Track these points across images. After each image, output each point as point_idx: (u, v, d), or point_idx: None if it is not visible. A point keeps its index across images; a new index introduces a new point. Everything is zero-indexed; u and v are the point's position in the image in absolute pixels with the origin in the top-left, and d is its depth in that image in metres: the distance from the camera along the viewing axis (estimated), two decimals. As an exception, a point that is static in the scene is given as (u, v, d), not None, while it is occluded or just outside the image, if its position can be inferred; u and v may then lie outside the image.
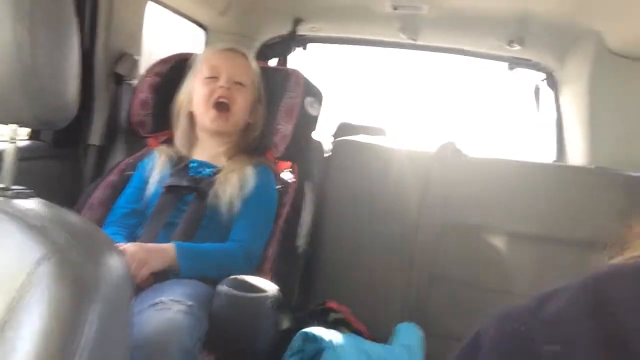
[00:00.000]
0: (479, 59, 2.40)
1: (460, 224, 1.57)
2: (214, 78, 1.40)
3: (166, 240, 1.25)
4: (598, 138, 1.92)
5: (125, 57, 1.75)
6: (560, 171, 1.73)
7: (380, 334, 1.38)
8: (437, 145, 1.70)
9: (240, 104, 1.40)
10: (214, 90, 1.38)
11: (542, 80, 2.33)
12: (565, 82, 2.18)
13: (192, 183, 1.35)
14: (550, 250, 1.34)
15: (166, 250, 1.19)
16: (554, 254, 1.36)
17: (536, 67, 2.29)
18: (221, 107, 1.38)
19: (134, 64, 1.78)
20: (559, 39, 2.01)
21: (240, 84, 1.41)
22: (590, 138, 1.93)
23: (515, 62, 2.31)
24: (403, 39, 2.23)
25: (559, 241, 1.45)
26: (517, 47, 2.10)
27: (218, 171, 1.38)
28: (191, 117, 1.44)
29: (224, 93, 1.38)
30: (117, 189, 1.43)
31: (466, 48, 2.34)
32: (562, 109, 2.22)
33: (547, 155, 2.40)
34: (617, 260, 0.47)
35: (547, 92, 2.33)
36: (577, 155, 2.02)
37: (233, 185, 1.34)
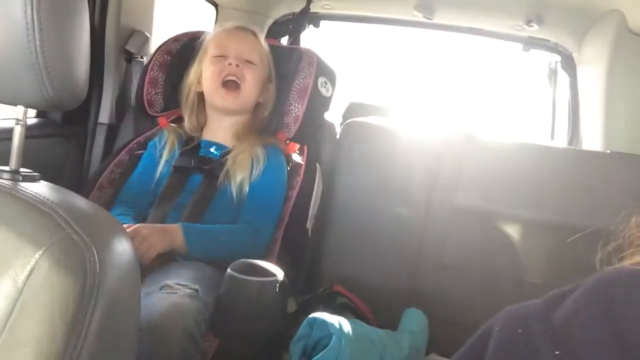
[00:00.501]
0: (494, 39, 2.35)
1: (471, 209, 1.55)
2: (222, 57, 1.38)
3: (175, 221, 1.25)
4: (614, 122, 1.88)
5: (136, 34, 1.74)
6: (575, 155, 1.69)
7: (387, 320, 1.37)
8: (448, 128, 1.67)
9: (250, 81, 1.38)
10: (222, 68, 1.36)
11: (557, 62, 2.29)
12: (583, 64, 2.13)
13: (201, 163, 1.34)
14: (563, 237, 1.32)
15: (173, 231, 1.18)
16: (568, 242, 1.34)
17: (554, 48, 2.25)
18: (230, 85, 1.36)
19: (145, 41, 1.76)
20: (579, 19, 1.96)
21: (249, 62, 1.39)
22: (606, 122, 1.89)
23: (532, 43, 2.26)
24: (418, 17, 2.19)
25: (573, 228, 1.43)
26: (535, 27, 2.06)
27: (228, 152, 1.37)
28: (200, 97, 1.43)
29: (233, 70, 1.36)
30: (127, 169, 1.43)
31: (482, 28, 2.30)
32: (578, 92, 2.17)
33: (559, 139, 2.37)
34: (628, 262, 0.46)
35: (561, 74, 2.29)
36: (592, 139, 1.98)
37: (243, 166, 1.33)
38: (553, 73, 2.33)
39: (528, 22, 2.02)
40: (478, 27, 2.30)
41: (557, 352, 0.40)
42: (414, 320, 1.31)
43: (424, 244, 1.55)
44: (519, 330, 0.42)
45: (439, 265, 1.53)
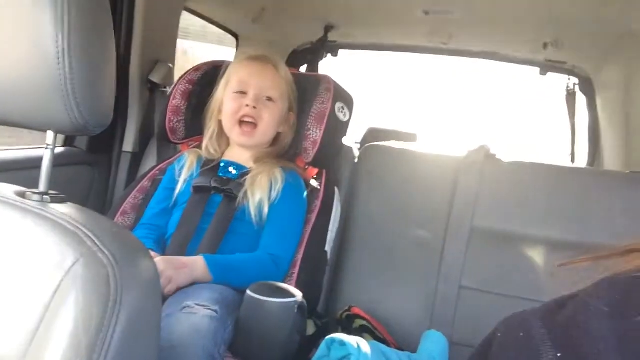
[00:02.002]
0: (511, 63, 2.37)
1: (490, 230, 1.55)
2: (242, 93, 1.41)
3: (196, 243, 1.27)
4: (634, 143, 1.87)
5: (160, 65, 1.80)
6: (594, 176, 1.68)
7: (406, 342, 1.37)
8: (467, 150, 1.68)
9: (268, 120, 1.40)
10: (240, 107, 1.39)
11: (575, 85, 2.29)
12: (602, 86, 2.13)
13: (220, 183, 1.37)
14: (585, 258, 1.31)
15: (194, 265, 1.19)
16: (590, 263, 1.33)
17: (571, 71, 2.25)
18: (247, 124, 1.39)
19: (168, 71, 1.82)
20: (596, 41, 1.97)
21: (269, 99, 1.41)
22: (627, 143, 1.88)
23: (549, 67, 2.27)
24: (434, 43, 2.22)
25: (595, 249, 1.41)
26: (551, 50, 2.07)
27: (246, 172, 1.39)
28: (221, 124, 1.46)
29: (250, 113, 1.38)
30: (149, 194, 1.46)
31: (498, 52, 2.32)
32: (597, 114, 2.17)
33: (580, 161, 2.36)
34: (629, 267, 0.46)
35: (580, 96, 2.29)
36: (613, 161, 1.97)
37: (261, 186, 1.34)
38: (571, 95, 2.33)
39: (544, 45, 2.04)
40: (494, 52, 2.32)
41: (559, 355, 0.40)
42: (434, 343, 1.31)
43: (443, 266, 1.55)
44: (521, 334, 0.43)
45: (458, 287, 1.52)
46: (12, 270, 0.61)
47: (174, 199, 1.40)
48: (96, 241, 0.61)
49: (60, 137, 1.62)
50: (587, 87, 2.23)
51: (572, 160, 2.43)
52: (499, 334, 0.45)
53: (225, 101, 1.43)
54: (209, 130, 1.47)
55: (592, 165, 2.25)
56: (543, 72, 2.31)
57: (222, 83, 1.47)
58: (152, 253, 1.26)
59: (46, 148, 0.68)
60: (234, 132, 1.41)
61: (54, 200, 0.68)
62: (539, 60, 2.26)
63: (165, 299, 1.10)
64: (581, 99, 2.31)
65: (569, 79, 2.33)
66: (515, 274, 1.50)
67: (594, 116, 2.21)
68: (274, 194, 1.34)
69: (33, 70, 0.62)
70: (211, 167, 1.41)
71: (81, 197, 1.62)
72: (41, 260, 0.60)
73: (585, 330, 0.40)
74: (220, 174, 1.40)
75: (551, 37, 2.01)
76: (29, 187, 0.69)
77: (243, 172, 1.40)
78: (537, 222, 1.53)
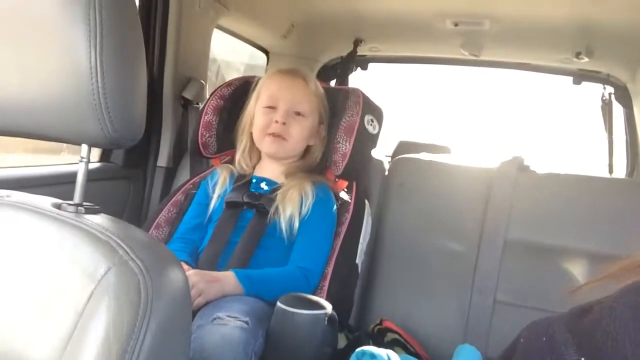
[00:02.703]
0: (543, 73, 2.33)
1: (524, 242, 1.52)
2: (272, 108, 1.42)
3: (227, 257, 1.28)
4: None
5: (192, 82, 1.84)
6: (632, 187, 1.64)
7: (439, 356, 1.34)
8: (500, 160, 1.66)
9: (297, 135, 1.42)
10: (269, 122, 1.41)
11: (610, 94, 2.24)
12: (639, 94, 2.08)
13: (251, 199, 1.38)
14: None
15: (226, 279, 1.21)
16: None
17: (606, 80, 2.20)
18: (277, 136, 1.41)
19: (201, 88, 1.86)
20: (631, 48, 1.93)
21: (298, 113, 1.43)
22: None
23: (582, 76, 2.23)
24: (465, 55, 2.21)
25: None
26: (585, 60, 2.03)
27: (278, 188, 1.40)
28: (252, 137, 1.48)
29: (279, 129, 1.40)
30: (183, 208, 1.49)
31: (530, 62, 2.29)
32: (635, 123, 2.11)
33: (618, 172, 2.30)
34: None
35: (616, 106, 2.24)
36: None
37: (293, 201, 1.35)
38: (607, 105, 2.27)
39: (577, 54, 2.00)
40: (526, 62, 2.29)
41: (582, 359, 0.39)
42: (468, 357, 1.28)
43: (476, 279, 1.52)
44: (544, 339, 0.42)
45: (493, 301, 1.50)
46: (48, 278, 0.63)
47: (208, 214, 1.42)
48: (128, 250, 0.62)
49: (98, 152, 1.67)
50: (624, 95, 2.18)
51: (610, 172, 2.37)
52: (522, 339, 0.44)
53: (256, 116, 1.45)
54: (241, 144, 1.50)
55: (631, 175, 2.19)
56: (577, 81, 2.26)
57: (253, 97, 1.49)
58: (186, 266, 1.28)
59: (80, 161, 0.71)
60: (264, 143, 1.42)
61: (88, 211, 0.70)
62: (572, 69, 2.22)
63: (195, 312, 1.11)
64: (618, 108, 2.26)
65: (604, 88, 2.28)
66: (551, 287, 1.46)
67: (632, 125, 2.16)
68: (304, 209, 1.35)
69: (67, 86, 0.64)
70: (243, 183, 1.43)
71: (117, 210, 1.66)
72: (75, 268, 0.62)
73: (610, 335, 0.39)
74: (252, 190, 1.42)
75: (584, 45, 1.98)
76: (66, 199, 0.72)
77: (274, 187, 1.41)
78: (574, 235, 1.49)
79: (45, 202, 0.71)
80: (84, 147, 0.71)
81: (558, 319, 0.44)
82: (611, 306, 0.42)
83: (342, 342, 1.26)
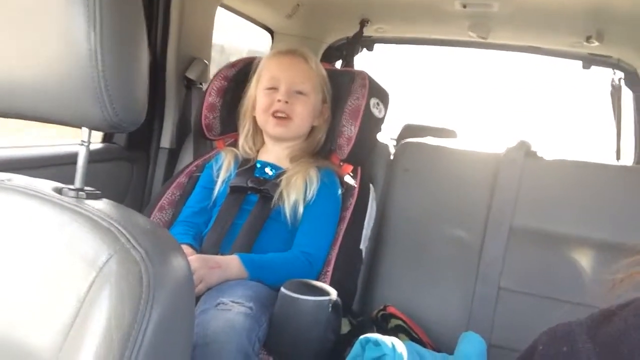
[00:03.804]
0: (552, 57, 2.29)
1: (530, 229, 1.50)
2: (273, 89, 1.41)
3: (230, 241, 1.27)
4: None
5: (196, 62, 1.82)
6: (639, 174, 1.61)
7: (442, 343, 1.34)
8: (507, 145, 1.64)
9: (301, 113, 1.40)
10: (272, 102, 1.39)
11: (620, 79, 2.20)
12: (649, 80, 2.05)
13: (256, 184, 1.37)
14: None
15: (228, 265, 1.20)
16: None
17: (616, 64, 2.17)
18: (280, 117, 1.39)
19: (204, 68, 1.84)
20: (643, 33, 1.89)
21: (300, 92, 1.41)
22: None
23: (592, 60, 2.19)
24: (473, 37, 2.17)
25: (640, 250, 1.35)
26: (595, 44, 1.99)
27: (282, 173, 1.39)
28: (256, 120, 1.46)
29: (282, 107, 1.38)
30: (186, 191, 1.48)
31: (539, 46, 2.25)
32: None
33: (626, 159, 2.27)
34: None
35: (626, 91, 2.20)
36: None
37: (297, 187, 1.34)
38: (616, 90, 2.24)
39: (587, 38, 1.96)
40: (535, 46, 2.25)
41: None
42: (471, 345, 1.28)
43: (481, 266, 1.51)
44: (564, 349, 0.41)
45: (497, 288, 1.49)
46: (49, 265, 0.62)
47: (212, 199, 1.41)
48: (129, 238, 0.61)
49: (99, 133, 1.65)
50: (634, 81, 2.14)
51: (618, 158, 2.34)
52: (541, 347, 0.42)
53: (258, 98, 1.43)
54: (244, 128, 1.48)
55: (638, 163, 2.17)
56: (586, 65, 2.22)
57: (254, 80, 1.47)
58: (190, 250, 1.27)
59: (81, 144, 0.69)
60: (268, 125, 1.41)
61: (90, 196, 0.68)
62: (581, 54, 2.18)
63: (198, 296, 1.11)
64: (627, 94, 2.22)
65: (614, 73, 2.24)
66: (556, 275, 1.45)
67: (641, 111, 2.13)
68: (309, 195, 1.34)
69: (66, 68, 0.62)
70: (248, 168, 1.42)
71: (119, 192, 1.65)
72: (76, 255, 0.61)
73: (633, 345, 0.38)
74: (257, 175, 1.40)
75: (595, 29, 1.93)
76: (68, 182, 0.70)
77: (279, 172, 1.40)
78: (580, 222, 1.48)
79: (46, 186, 0.70)
80: (85, 130, 0.69)
81: (579, 325, 0.42)
82: (636, 314, 0.40)
83: (345, 327, 1.26)
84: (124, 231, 0.62)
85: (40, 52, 0.63)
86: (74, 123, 0.68)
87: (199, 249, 1.30)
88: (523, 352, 0.45)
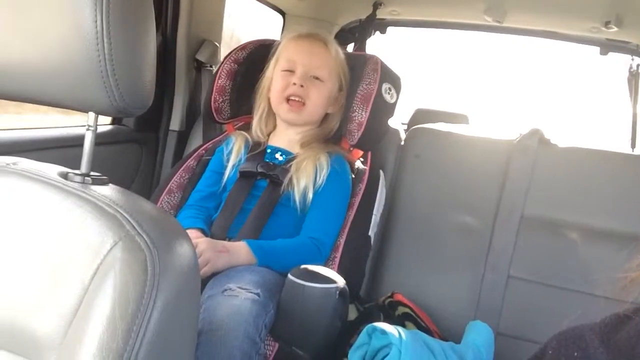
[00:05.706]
0: (569, 42, 2.24)
1: (541, 218, 1.48)
2: (290, 72, 1.39)
3: (239, 225, 1.27)
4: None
5: (206, 43, 1.80)
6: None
7: (450, 332, 1.33)
8: (519, 132, 1.61)
9: (315, 99, 1.38)
10: (287, 85, 1.38)
11: (638, 66, 2.15)
12: (668, 67, 2.00)
13: (266, 169, 1.36)
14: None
15: (236, 250, 1.19)
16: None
17: (635, 51, 2.12)
18: (294, 101, 1.38)
19: (214, 50, 1.82)
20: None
21: (317, 78, 1.39)
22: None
23: (610, 46, 2.14)
24: (488, 21, 2.13)
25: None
26: (614, 29, 1.94)
27: (292, 158, 1.38)
28: (270, 102, 1.45)
29: (297, 91, 1.37)
30: (195, 174, 1.47)
31: (556, 30, 2.20)
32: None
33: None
34: None
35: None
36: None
37: (307, 173, 1.33)
38: (634, 77, 2.19)
39: (606, 23, 1.91)
40: (551, 30, 2.20)
41: None
42: (479, 334, 1.26)
43: (490, 254, 1.50)
44: (575, 354, 0.39)
45: (507, 276, 1.47)
46: (54, 251, 0.62)
47: (222, 183, 1.40)
48: (135, 225, 0.60)
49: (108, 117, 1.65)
50: (652, 67, 2.09)
51: (632, 147, 2.30)
52: (551, 351, 0.41)
53: (274, 79, 1.42)
54: (259, 108, 1.46)
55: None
56: (604, 51, 2.17)
57: (272, 61, 1.45)
58: (198, 233, 1.27)
59: (87, 129, 0.68)
60: (281, 109, 1.39)
61: (95, 182, 0.68)
62: (599, 39, 2.13)
63: (205, 282, 1.10)
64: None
65: (632, 59, 2.19)
66: (567, 265, 1.43)
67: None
68: (319, 181, 1.33)
69: (72, 52, 0.61)
70: (258, 153, 1.41)
71: (128, 174, 1.65)
72: (81, 241, 0.60)
73: None
74: (267, 160, 1.39)
75: (614, 14, 1.88)
76: (75, 165, 0.70)
77: (289, 157, 1.39)
78: (593, 212, 1.46)
79: (51, 170, 0.69)
80: (91, 114, 0.68)
81: (590, 329, 0.41)
82: None
83: (352, 314, 1.26)
84: (129, 218, 0.61)
85: (45, 35, 0.62)
86: (80, 107, 0.67)
87: (209, 234, 1.30)
88: (532, 356, 0.43)
